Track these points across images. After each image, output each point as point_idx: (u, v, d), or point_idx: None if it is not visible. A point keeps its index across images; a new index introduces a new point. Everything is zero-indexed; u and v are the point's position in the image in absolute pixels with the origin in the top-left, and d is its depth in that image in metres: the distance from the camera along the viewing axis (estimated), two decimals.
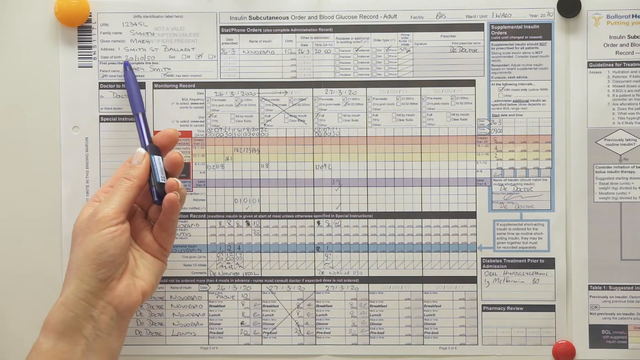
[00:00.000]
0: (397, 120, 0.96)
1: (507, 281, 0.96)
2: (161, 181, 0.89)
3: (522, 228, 0.96)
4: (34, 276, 0.96)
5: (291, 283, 0.97)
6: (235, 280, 0.97)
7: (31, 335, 0.96)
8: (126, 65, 0.94)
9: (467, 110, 0.96)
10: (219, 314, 0.97)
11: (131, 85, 0.94)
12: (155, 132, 0.96)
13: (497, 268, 0.96)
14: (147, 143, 0.91)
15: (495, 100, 0.95)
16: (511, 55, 0.95)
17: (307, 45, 0.96)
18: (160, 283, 0.96)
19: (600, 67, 0.95)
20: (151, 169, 0.90)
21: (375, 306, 0.96)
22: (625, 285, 0.95)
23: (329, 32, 0.96)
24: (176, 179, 0.89)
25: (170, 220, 0.89)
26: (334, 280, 0.97)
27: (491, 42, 0.95)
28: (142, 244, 0.90)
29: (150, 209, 0.92)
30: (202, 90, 0.96)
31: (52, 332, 0.84)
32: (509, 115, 0.95)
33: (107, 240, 0.85)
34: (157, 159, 0.90)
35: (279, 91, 0.96)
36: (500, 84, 0.95)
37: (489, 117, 0.95)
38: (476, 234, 0.96)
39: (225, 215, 0.96)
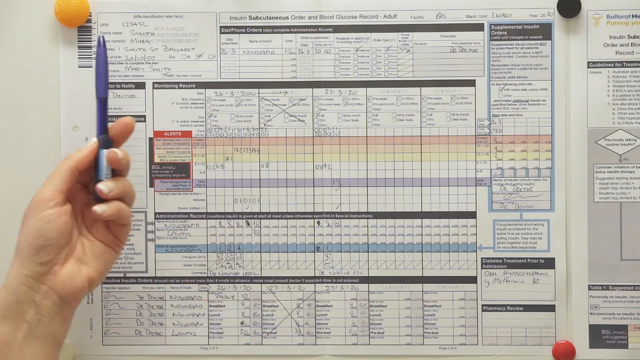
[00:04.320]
0: (397, 120, 0.96)
1: (507, 281, 0.96)
2: (103, 179, 0.87)
3: (522, 228, 0.96)
4: None
5: (291, 283, 0.97)
6: (235, 280, 0.97)
7: None
8: (100, 40, 0.91)
9: (467, 110, 0.96)
10: (219, 314, 0.97)
11: (101, 63, 0.90)
12: (155, 133, 0.96)
13: (497, 268, 0.96)
14: (100, 133, 0.88)
15: (495, 100, 0.95)
16: (511, 55, 0.95)
17: (307, 45, 0.96)
18: (161, 283, 0.97)
19: (600, 67, 0.95)
20: (96, 164, 0.87)
21: (375, 306, 0.96)
22: (625, 285, 0.95)
23: (329, 32, 0.96)
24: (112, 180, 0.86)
25: (120, 215, 0.87)
26: (334, 280, 0.97)
27: (491, 42, 0.95)
28: (96, 232, 0.88)
29: None
30: (202, 90, 0.96)
31: None
32: (509, 115, 0.95)
33: (45, 224, 0.83)
34: (105, 153, 0.87)
35: (279, 91, 0.96)
36: (500, 84, 0.95)
37: (489, 117, 0.95)
38: (476, 234, 0.96)
39: (225, 215, 0.96)
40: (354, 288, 0.97)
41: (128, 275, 0.97)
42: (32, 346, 0.84)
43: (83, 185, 0.89)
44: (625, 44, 0.95)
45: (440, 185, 0.96)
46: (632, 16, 0.94)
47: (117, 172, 0.89)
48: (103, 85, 0.89)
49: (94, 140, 0.88)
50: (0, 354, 0.82)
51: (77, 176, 0.87)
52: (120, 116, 0.96)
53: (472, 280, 0.96)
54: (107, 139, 0.88)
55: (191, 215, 0.96)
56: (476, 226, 0.96)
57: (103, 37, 0.93)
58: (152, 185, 0.96)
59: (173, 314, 0.97)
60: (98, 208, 0.86)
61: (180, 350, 0.97)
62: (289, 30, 0.96)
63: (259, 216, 0.96)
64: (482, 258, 0.96)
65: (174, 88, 0.96)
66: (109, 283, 0.97)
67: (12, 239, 0.97)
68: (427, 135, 0.96)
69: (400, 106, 0.96)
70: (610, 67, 0.95)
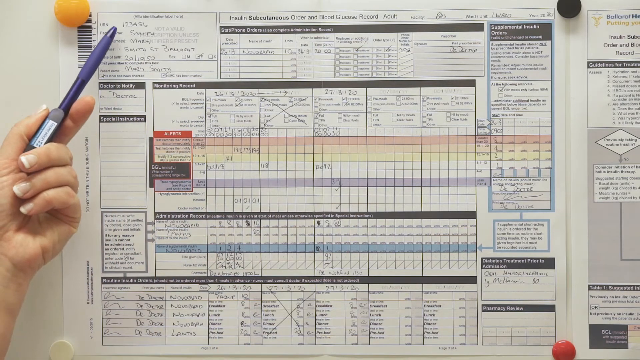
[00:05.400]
0: (397, 120, 0.96)
1: (507, 281, 0.96)
2: (35, 146, 0.88)
3: (522, 228, 0.96)
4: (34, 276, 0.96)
5: (291, 283, 0.97)
6: (235, 280, 0.97)
7: (31, 333, 0.97)
8: (112, 30, 0.94)
9: (467, 110, 0.96)
10: (219, 314, 0.97)
11: (98, 49, 0.92)
12: (155, 133, 0.96)
13: (497, 268, 0.96)
14: (59, 106, 0.90)
15: (495, 100, 0.95)
16: (511, 55, 0.95)
17: (307, 45, 0.96)
18: (160, 283, 0.97)
19: (600, 67, 0.95)
20: (37, 130, 0.88)
21: (375, 306, 0.96)
22: (625, 285, 0.95)
23: (329, 32, 0.96)
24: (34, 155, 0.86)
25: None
26: (334, 280, 0.97)
27: (491, 42, 0.95)
28: (52, 209, 0.89)
29: None
30: (202, 90, 0.96)
31: None
32: (509, 115, 0.95)
33: None
34: (50, 124, 0.88)
35: (279, 91, 0.96)
36: (500, 84, 0.95)
37: (489, 117, 0.95)
38: (476, 234, 0.96)
39: (225, 215, 0.96)
40: (354, 288, 0.97)
41: (128, 275, 0.97)
42: None
43: None
44: (625, 44, 0.95)
45: (440, 185, 0.96)
46: (632, 16, 0.94)
47: (59, 137, 0.89)
48: (88, 70, 0.92)
49: (44, 107, 0.89)
50: None
51: (27, 142, 0.87)
52: (120, 116, 0.96)
53: (472, 280, 0.96)
54: (60, 114, 0.89)
55: (191, 215, 0.96)
56: (476, 226, 0.96)
57: (115, 29, 0.93)
58: (152, 185, 0.96)
59: (173, 314, 0.97)
60: (22, 208, 0.86)
61: (180, 350, 0.97)
62: (289, 30, 0.96)
63: (259, 216, 0.96)
64: (482, 258, 0.96)
65: (174, 88, 0.96)
66: (109, 283, 0.97)
67: None
68: (427, 135, 0.96)
69: (400, 106, 0.96)
70: (610, 67, 0.95)
